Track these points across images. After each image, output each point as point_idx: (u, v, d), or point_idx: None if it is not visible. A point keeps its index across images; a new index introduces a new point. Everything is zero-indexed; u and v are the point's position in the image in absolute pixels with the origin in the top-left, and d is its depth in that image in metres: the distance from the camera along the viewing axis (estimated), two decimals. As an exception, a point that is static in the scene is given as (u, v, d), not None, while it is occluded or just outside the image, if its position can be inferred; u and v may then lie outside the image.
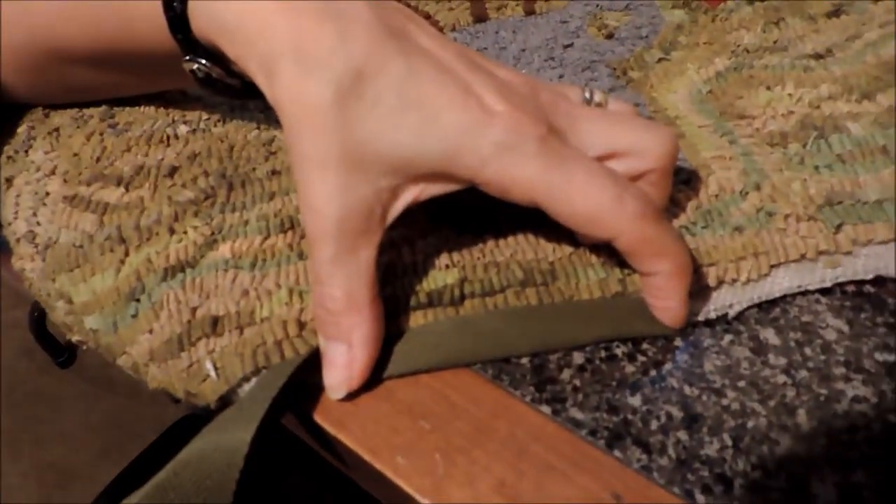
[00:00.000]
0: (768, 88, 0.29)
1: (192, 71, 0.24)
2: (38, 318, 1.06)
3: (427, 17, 0.36)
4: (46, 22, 0.27)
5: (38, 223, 0.28)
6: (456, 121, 0.20)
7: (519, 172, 0.20)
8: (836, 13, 0.33)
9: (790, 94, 0.28)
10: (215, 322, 0.23)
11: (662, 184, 0.22)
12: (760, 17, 0.33)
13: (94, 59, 0.28)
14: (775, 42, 0.31)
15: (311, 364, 0.22)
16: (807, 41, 0.31)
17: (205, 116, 0.31)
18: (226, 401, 0.22)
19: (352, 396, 0.21)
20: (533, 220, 0.23)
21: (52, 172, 0.30)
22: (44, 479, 0.96)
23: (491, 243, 0.24)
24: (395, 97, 0.20)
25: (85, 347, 0.27)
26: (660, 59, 0.31)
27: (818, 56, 0.30)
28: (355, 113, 0.20)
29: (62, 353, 1.07)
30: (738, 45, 0.32)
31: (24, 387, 1.07)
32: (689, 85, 0.30)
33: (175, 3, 0.23)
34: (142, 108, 0.32)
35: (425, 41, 0.21)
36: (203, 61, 0.24)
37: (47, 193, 0.29)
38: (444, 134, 0.20)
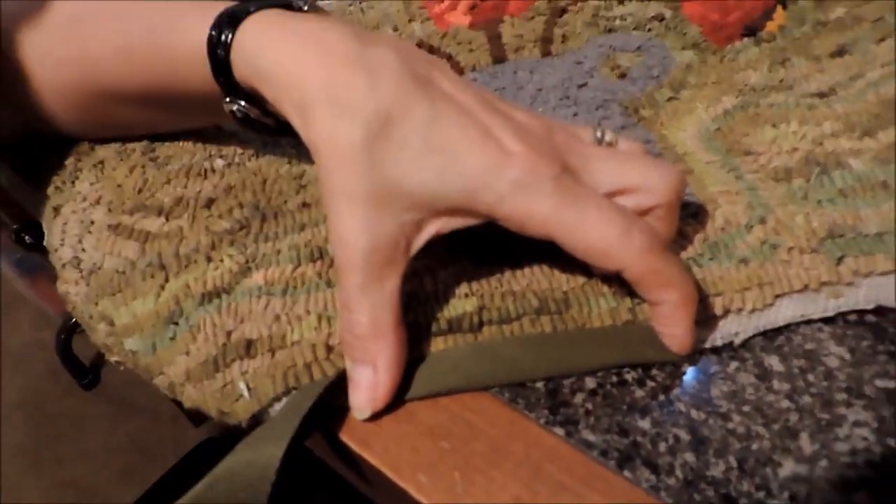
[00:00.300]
0: (774, 126, 0.30)
1: (232, 111, 0.26)
2: (65, 341, 1.09)
3: (448, 57, 0.38)
4: (97, 64, 0.29)
5: (84, 250, 0.30)
6: (476, 162, 0.21)
7: (534, 209, 0.21)
8: (839, 53, 0.34)
9: (794, 132, 0.29)
10: (249, 345, 0.25)
11: (669, 218, 0.23)
12: (767, 57, 0.34)
13: (140, 98, 0.30)
14: (781, 81, 0.33)
15: (338, 386, 0.23)
16: (811, 80, 0.33)
17: (239, 151, 0.33)
18: (257, 419, 0.24)
19: (376, 417, 0.23)
20: (548, 251, 0.25)
21: (97, 202, 0.32)
22: (65, 497, 0.97)
23: (508, 273, 0.26)
24: (420, 140, 0.21)
25: (122, 367, 0.29)
26: (670, 98, 0.33)
27: (822, 95, 0.32)
28: (383, 154, 0.22)
29: (86, 374, 1.10)
30: (745, 85, 0.33)
31: (49, 407, 1.09)
32: (698, 123, 0.31)
33: (219, 51, 0.25)
34: (181, 143, 0.34)
35: (448, 86, 0.23)
36: (242, 103, 0.26)
37: (92, 222, 0.31)
38: (465, 174, 0.21)
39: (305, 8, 0.26)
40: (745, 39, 0.36)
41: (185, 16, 0.27)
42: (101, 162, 0.34)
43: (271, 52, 0.23)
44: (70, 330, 1.05)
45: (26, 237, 0.45)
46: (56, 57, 0.30)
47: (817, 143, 0.29)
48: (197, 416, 0.96)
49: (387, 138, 0.22)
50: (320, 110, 0.22)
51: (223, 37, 0.25)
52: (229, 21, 0.25)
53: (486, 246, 0.26)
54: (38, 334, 1.18)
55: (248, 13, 0.25)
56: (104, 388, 1.15)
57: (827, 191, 0.27)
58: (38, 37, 0.30)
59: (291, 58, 0.23)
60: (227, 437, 0.24)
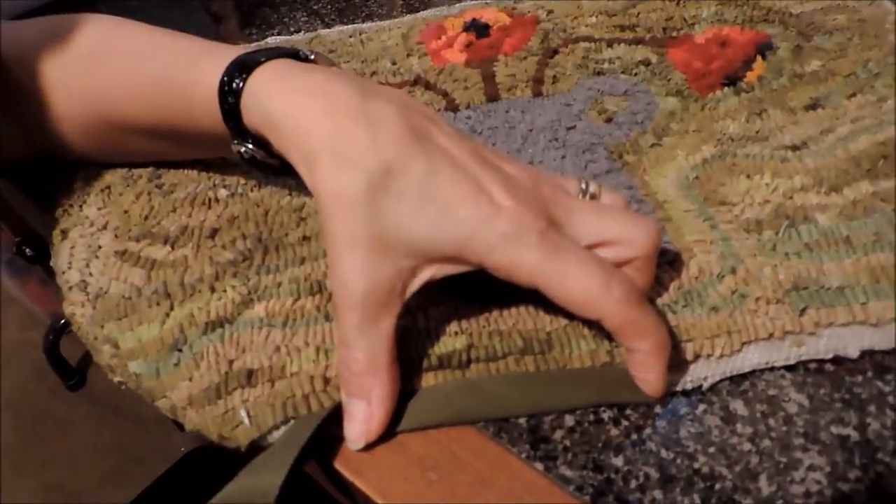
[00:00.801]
0: (748, 177, 0.32)
1: (240, 152, 0.28)
2: (53, 342, 1.09)
3: (444, 94, 0.40)
4: (113, 99, 0.31)
5: (91, 274, 0.31)
6: (468, 214, 0.23)
7: (521, 260, 0.23)
8: (813, 106, 0.36)
9: (767, 184, 0.31)
10: (250, 374, 0.26)
11: (647, 269, 0.25)
12: (745, 107, 0.37)
13: (151, 132, 0.31)
14: (757, 132, 0.35)
15: (334, 417, 0.25)
16: (786, 132, 0.35)
17: (242, 181, 0.35)
18: (255, 445, 0.25)
19: (369, 448, 0.24)
20: (533, 293, 0.26)
21: (104, 227, 0.33)
22: (50, 498, 0.98)
23: (496, 313, 0.27)
24: (417, 192, 0.23)
25: (124, 387, 0.30)
26: (653, 144, 0.35)
27: (795, 147, 0.34)
28: (383, 204, 0.23)
29: (73, 376, 1.10)
30: (724, 134, 0.35)
31: (34, 407, 1.10)
32: (678, 170, 0.33)
33: (230, 98, 0.26)
34: (186, 171, 0.35)
35: (444, 140, 0.25)
36: (250, 145, 0.27)
37: (99, 247, 0.32)
38: (458, 225, 0.23)
39: (312, 56, 0.28)
40: (726, 88, 0.38)
41: (198, 60, 0.28)
42: (108, 187, 0.35)
43: (279, 103, 0.25)
44: (58, 331, 1.06)
45: (27, 250, 0.46)
46: (72, 88, 0.31)
47: (788, 196, 0.31)
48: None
49: (386, 190, 0.23)
50: (324, 161, 0.24)
51: (234, 84, 0.26)
52: (240, 69, 0.26)
53: (475, 286, 0.28)
54: (26, 334, 1.18)
55: (259, 62, 0.26)
56: (90, 389, 1.15)
57: (794, 244, 0.29)
58: (56, 68, 0.31)
59: (298, 109, 0.24)
60: (217, 448, 0.26)
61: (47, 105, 0.32)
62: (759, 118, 0.36)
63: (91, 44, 0.31)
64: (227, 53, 0.27)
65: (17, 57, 0.32)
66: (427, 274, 0.24)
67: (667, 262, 0.29)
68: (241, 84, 0.26)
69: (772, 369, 0.26)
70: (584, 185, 0.27)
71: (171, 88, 0.29)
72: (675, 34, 0.42)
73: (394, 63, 0.43)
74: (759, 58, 0.39)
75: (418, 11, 0.47)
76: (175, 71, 0.28)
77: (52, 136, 0.33)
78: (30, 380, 1.14)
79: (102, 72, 0.30)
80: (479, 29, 0.44)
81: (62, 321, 1.02)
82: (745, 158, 0.33)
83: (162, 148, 0.33)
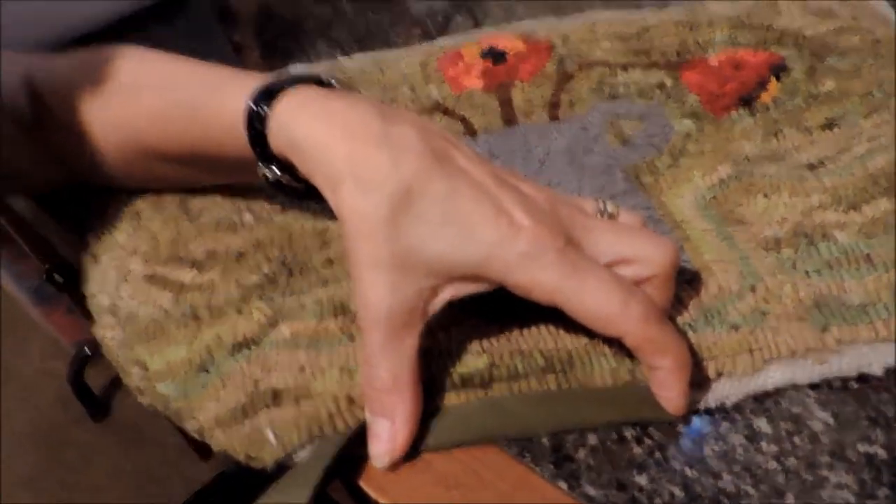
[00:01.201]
0: (766, 196, 0.32)
1: (266, 176, 0.29)
2: (77, 371, 1.11)
3: (462, 119, 0.41)
4: (143, 128, 0.32)
5: (121, 297, 0.32)
6: (488, 235, 0.24)
7: (540, 279, 0.23)
8: (829, 126, 0.36)
9: (785, 203, 0.32)
10: (276, 394, 0.27)
11: (665, 287, 0.25)
12: (760, 128, 0.37)
13: (180, 158, 0.32)
14: (773, 152, 0.35)
15: (359, 436, 0.25)
16: (802, 152, 0.35)
17: (267, 206, 0.35)
18: (282, 465, 0.26)
19: (393, 466, 0.25)
20: (554, 311, 0.27)
21: (134, 252, 0.34)
22: (72, 527, 0.97)
23: (517, 332, 0.28)
24: (437, 213, 0.24)
25: (152, 409, 0.31)
26: (669, 166, 0.35)
27: (812, 166, 0.34)
28: (404, 226, 0.24)
29: (97, 405, 1.11)
30: (740, 154, 0.35)
31: (57, 436, 1.11)
32: (695, 191, 0.34)
33: (256, 124, 0.27)
34: (213, 198, 0.36)
35: (463, 163, 0.25)
36: (275, 169, 0.28)
37: (129, 271, 0.33)
38: (478, 245, 0.24)
39: (332, 82, 0.29)
40: (741, 109, 0.38)
41: (223, 88, 0.29)
42: (138, 213, 0.36)
43: (305, 129, 0.26)
44: (83, 360, 1.07)
45: (57, 276, 0.47)
46: (105, 118, 0.33)
47: (806, 214, 0.31)
48: (204, 450, 0.96)
49: (408, 212, 0.24)
50: (348, 185, 0.24)
51: (260, 110, 0.27)
52: (266, 96, 0.27)
53: (496, 305, 0.28)
54: (50, 363, 1.19)
55: (283, 88, 0.27)
56: (113, 418, 1.17)
57: (814, 262, 0.29)
58: (92, 103, 0.32)
59: (322, 136, 0.25)
60: (241, 473, 0.26)
61: (82, 135, 0.33)
62: (775, 138, 0.36)
63: (122, 75, 0.32)
64: (250, 81, 0.28)
65: (52, 89, 0.33)
66: (448, 293, 0.25)
67: (686, 281, 0.29)
68: (266, 110, 0.27)
69: (796, 387, 0.26)
70: (601, 205, 0.27)
71: (198, 116, 0.30)
72: (688, 57, 0.42)
73: (413, 90, 0.44)
74: (773, 79, 0.40)
75: (435, 38, 0.49)
76: (202, 99, 0.29)
77: (85, 164, 0.35)
78: (52, 409, 1.16)
79: (133, 102, 0.32)
80: (495, 56, 0.45)
81: (87, 350, 1.04)
82: (763, 178, 0.33)
83: (190, 174, 0.34)
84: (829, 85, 0.39)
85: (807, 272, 0.28)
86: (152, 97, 0.32)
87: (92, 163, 0.34)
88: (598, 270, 0.24)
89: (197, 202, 0.36)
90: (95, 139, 0.33)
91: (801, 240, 0.30)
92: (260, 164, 0.29)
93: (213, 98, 0.29)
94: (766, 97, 0.39)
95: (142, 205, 0.37)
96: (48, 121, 0.34)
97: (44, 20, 0.48)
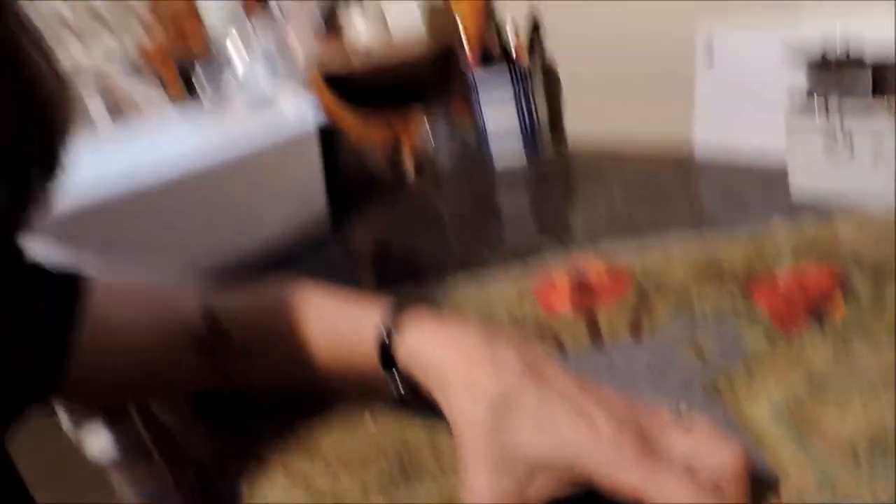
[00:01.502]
0: (839, 407, 0.35)
1: (392, 391, 0.35)
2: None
3: (554, 338, 0.47)
4: (300, 356, 0.39)
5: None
6: (575, 438, 0.28)
7: (623, 480, 0.27)
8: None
9: (859, 415, 0.34)
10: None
11: (738, 491, 0.28)
12: (831, 343, 0.40)
13: (320, 370, 0.40)
14: (844, 366, 0.38)
15: None
16: (872, 363, 0.38)
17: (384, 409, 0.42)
18: None
19: None
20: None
21: (270, 446, 0.41)
22: None
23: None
24: (532, 420, 0.29)
25: None
26: (745, 380, 0.39)
27: (882, 379, 0.36)
28: (504, 428, 0.29)
29: None
30: (813, 367, 0.38)
31: None
32: (770, 400, 0.37)
33: (387, 350, 0.35)
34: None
35: (554, 376, 0.31)
36: (401, 387, 0.35)
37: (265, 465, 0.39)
38: (567, 447, 0.28)
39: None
40: (811, 325, 0.42)
41: (358, 319, 0.37)
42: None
43: (427, 353, 0.33)
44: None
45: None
46: (269, 344, 0.41)
47: (880, 426, 0.33)
48: None
49: (507, 415, 0.29)
50: (459, 392, 0.31)
51: (389, 339, 0.35)
52: (392, 323, 0.35)
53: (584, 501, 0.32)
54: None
55: (403, 320, 0.35)
56: None
57: (889, 472, 0.30)
58: (262, 330, 0.41)
59: (440, 358, 0.32)
60: None
61: (258, 358, 0.41)
62: (846, 354, 0.39)
63: (286, 310, 0.41)
64: (376, 312, 0.36)
65: (232, 317, 0.42)
66: (544, 489, 0.29)
67: (764, 487, 0.31)
68: (395, 337, 0.34)
69: None
70: (676, 409, 0.32)
71: (339, 344, 0.37)
72: (757, 275, 0.48)
73: (509, 311, 0.51)
74: (839, 292, 0.44)
75: (526, 257, 0.57)
76: (342, 330, 0.37)
77: (250, 381, 0.42)
78: None
79: (293, 332, 0.40)
80: (582, 284, 0.52)
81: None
82: (835, 389, 0.36)
83: (318, 385, 0.41)
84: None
85: (883, 480, 0.30)
86: (310, 329, 0.39)
87: (254, 379, 0.42)
88: (675, 472, 0.28)
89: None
90: (266, 362, 0.41)
91: (876, 451, 0.32)
92: (389, 382, 0.35)
93: (351, 329, 0.37)
94: (833, 310, 0.43)
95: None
96: (224, 346, 0.42)
97: (211, 252, 0.65)
